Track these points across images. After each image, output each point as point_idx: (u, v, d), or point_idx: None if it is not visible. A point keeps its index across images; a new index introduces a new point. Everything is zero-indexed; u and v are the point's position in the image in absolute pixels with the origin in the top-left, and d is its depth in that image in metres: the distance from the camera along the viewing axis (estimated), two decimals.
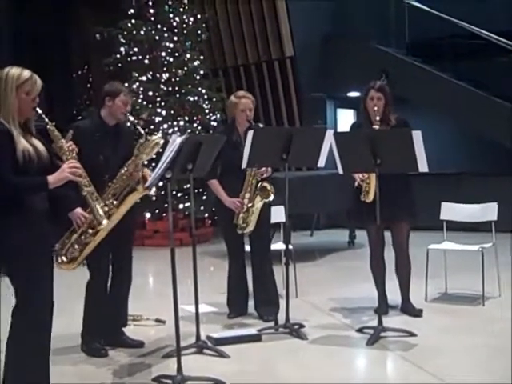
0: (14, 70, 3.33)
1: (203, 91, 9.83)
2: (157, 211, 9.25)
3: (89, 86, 12.24)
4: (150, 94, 9.52)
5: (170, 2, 9.79)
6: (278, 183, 5.08)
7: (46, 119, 3.49)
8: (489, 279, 5.62)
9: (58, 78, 11.04)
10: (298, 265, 6.12)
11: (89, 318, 4.54)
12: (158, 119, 9.38)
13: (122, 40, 9.76)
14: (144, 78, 9.64)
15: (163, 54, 9.66)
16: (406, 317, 5.20)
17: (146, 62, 9.73)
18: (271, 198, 5.07)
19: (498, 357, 4.25)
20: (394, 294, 5.33)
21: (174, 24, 9.80)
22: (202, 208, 9.23)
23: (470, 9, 9.85)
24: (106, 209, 4.24)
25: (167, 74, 9.64)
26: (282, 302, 5.04)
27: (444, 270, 5.99)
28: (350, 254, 8.35)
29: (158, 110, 9.44)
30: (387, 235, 5.24)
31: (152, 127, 8.96)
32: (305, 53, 10.61)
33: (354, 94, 10.54)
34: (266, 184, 5.07)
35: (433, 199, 6.27)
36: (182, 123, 9.46)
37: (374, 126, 5.00)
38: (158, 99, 9.53)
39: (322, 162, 4.93)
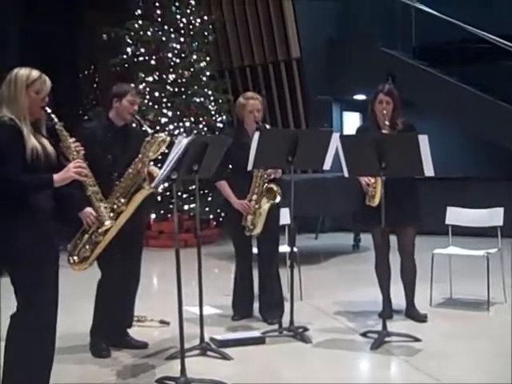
0: (24, 71, 3.39)
1: (209, 92, 9.84)
2: (162, 212, 9.25)
3: (95, 86, 12.23)
4: (157, 94, 9.53)
5: (177, 3, 9.81)
6: (284, 185, 5.07)
7: (56, 119, 3.52)
8: (494, 285, 5.60)
9: (64, 78, 10.99)
10: (303, 267, 6.10)
11: (99, 318, 4.53)
12: (164, 120, 9.38)
13: (128, 41, 9.77)
14: (150, 79, 9.65)
15: (170, 54, 9.67)
16: (411, 321, 5.17)
17: (153, 62, 9.73)
18: (278, 199, 5.05)
19: (503, 362, 4.22)
20: (398, 299, 5.31)
21: (181, 25, 9.82)
22: (207, 209, 9.23)
23: (477, 13, 9.83)
24: (115, 207, 4.27)
25: (173, 75, 9.64)
26: (287, 305, 5.03)
27: (449, 275, 5.96)
28: (355, 257, 8.33)
29: (164, 111, 9.45)
30: (393, 239, 5.22)
31: (158, 128, 8.94)
32: (311, 55, 10.58)
33: (359, 97, 10.54)
34: (272, 185, 5.06)
35: (438, 203, 6.25)
36: (187, 124, 9.47)
37: (383, 131, 4.97)
38: (164, 100, 9.54)
39: (327, 165, 4.91)
